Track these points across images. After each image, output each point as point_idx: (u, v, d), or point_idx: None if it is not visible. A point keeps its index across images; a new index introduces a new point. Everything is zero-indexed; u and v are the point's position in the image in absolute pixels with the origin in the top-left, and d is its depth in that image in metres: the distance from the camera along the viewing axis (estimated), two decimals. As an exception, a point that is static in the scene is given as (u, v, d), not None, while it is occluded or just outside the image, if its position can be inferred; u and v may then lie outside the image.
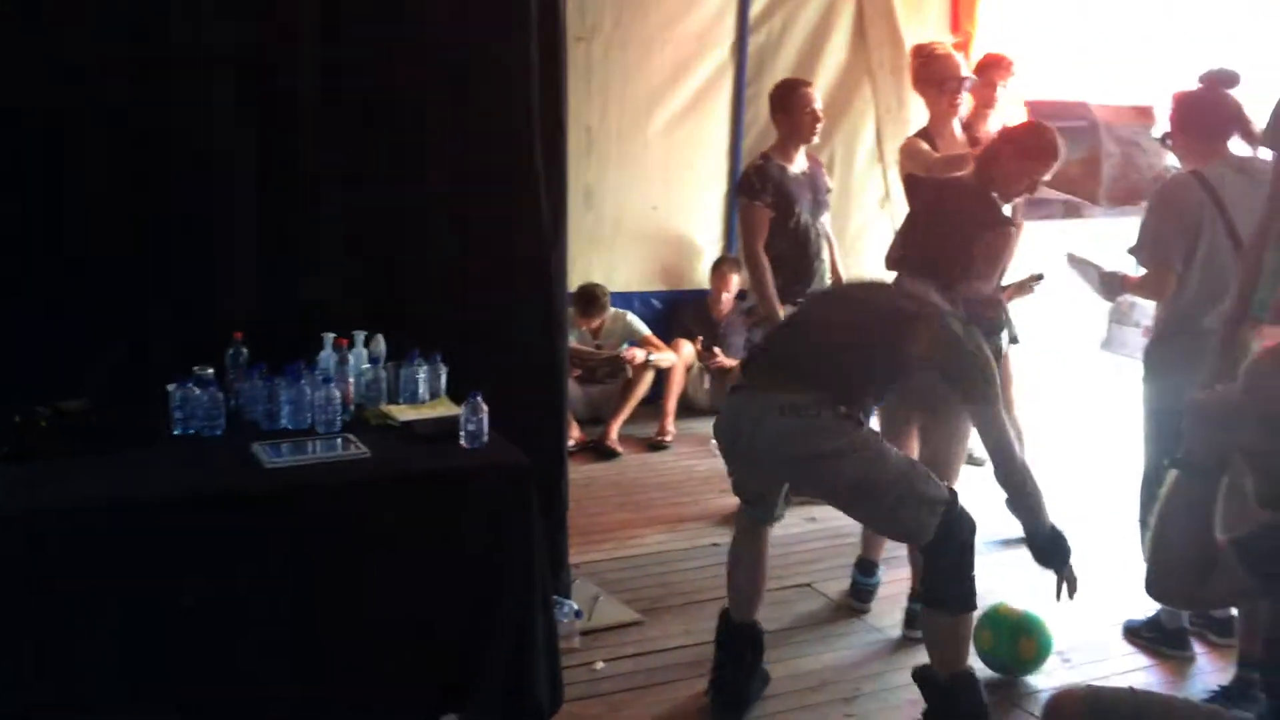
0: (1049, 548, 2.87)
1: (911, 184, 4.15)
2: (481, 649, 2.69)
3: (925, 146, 4.16)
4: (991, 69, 4.56)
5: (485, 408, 2.76)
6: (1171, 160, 3.71)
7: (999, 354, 3.38)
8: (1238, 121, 3.26)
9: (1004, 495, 2.87)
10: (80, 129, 2.88)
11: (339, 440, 2.77)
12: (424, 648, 2.65)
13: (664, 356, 5.65)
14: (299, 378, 2.84)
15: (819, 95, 4.45)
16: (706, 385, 5.99)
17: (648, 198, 6.02)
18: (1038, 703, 3.07)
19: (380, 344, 3.14)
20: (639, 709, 3.08)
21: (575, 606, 3.45)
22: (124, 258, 2.96)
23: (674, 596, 3.78)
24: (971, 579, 2.79)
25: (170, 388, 2.76)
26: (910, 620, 3.51)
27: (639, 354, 5.56)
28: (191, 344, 2.92)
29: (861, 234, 6.04)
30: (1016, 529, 2.94)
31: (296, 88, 3.07)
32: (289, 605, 2.49)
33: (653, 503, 4.73)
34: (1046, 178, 3.48)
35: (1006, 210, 3.53)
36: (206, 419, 2.76)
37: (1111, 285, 3.53)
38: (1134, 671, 3.38)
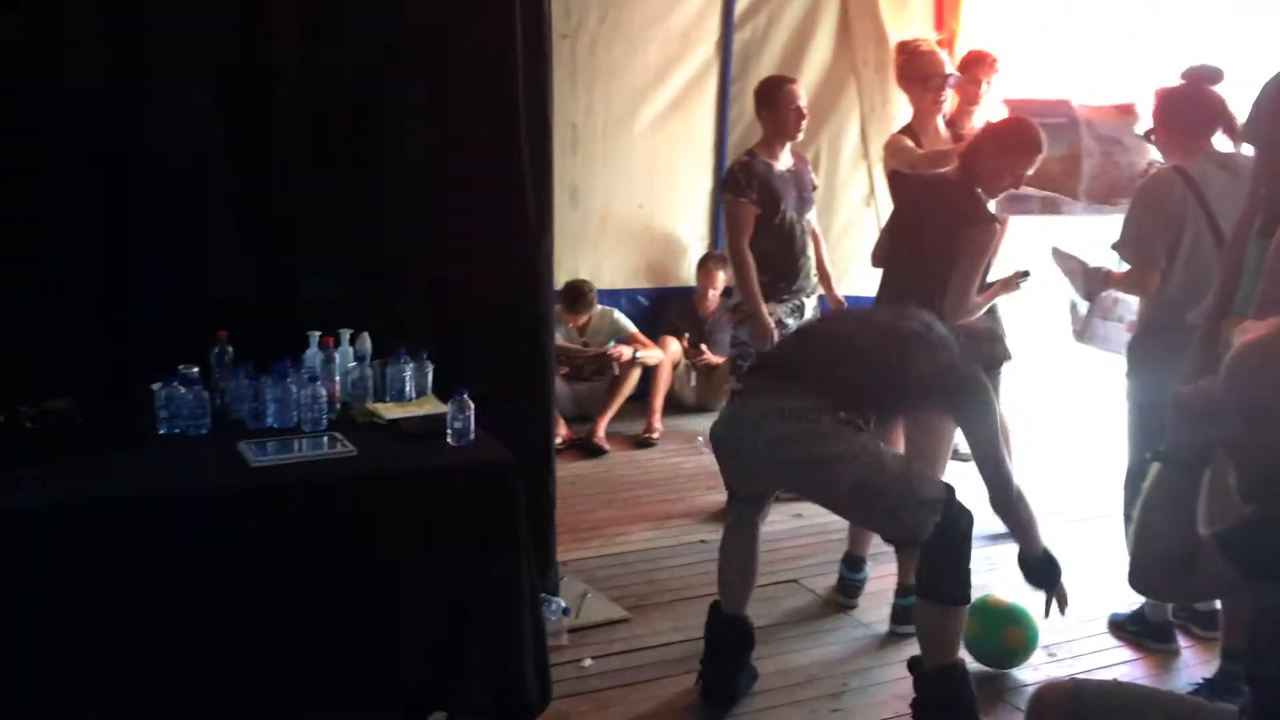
0: (1042, 570, 3.01)
1: (896, 181, 4.16)
2: (469, 646, 2.69)
3: (909, 143, 4.17)
4: (976, 66, 4.57)
5: (472, 405, 2.76)
6: (1153, 156, 3.73)
7: (997, 388, 3.46)
8: (1221, 117, 3.28)
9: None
10: (57, 126, 2.86)
11: (325, 439, 2.76)
12: (411, 645, 2.65)
13: (651, 354, 5.65)
14: (285, 376, 2.83)
15: (804, 92, 4.46)
16: (693, 382, 6.01)
17: (634, 195, 6.03)
18: (1023, 696, 3.08)
19: (366, 342, 3.13)
20: (627, 705, 3.08)
21: (563, 604, 3.45)
22: (107, 256, 2.94)
23: (661, 593, 3.78)
24: (967, 572, 2.81)
25: (155, 387, 2.75)
26: (897, 615, 3.52)
27: (626, 351, 5.56)
28: (176, 343, 2.91)
29: (847, 231, 6.05)
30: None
31: (278, 85, 3.06)
32: (275, 603, 2.49)
33: (640, 500, 4.74)
34: (1030, 172, 3.50)
35: (991, 206, 3.56)
36: (192, 418, 2.75)
37: (1095, 280, 3.55)
38: (1119, 665, 3.40)
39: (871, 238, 4.45)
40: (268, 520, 2.50)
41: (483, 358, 3.23)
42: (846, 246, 5.83)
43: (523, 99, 3.25)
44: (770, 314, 4.30)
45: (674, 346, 5.83)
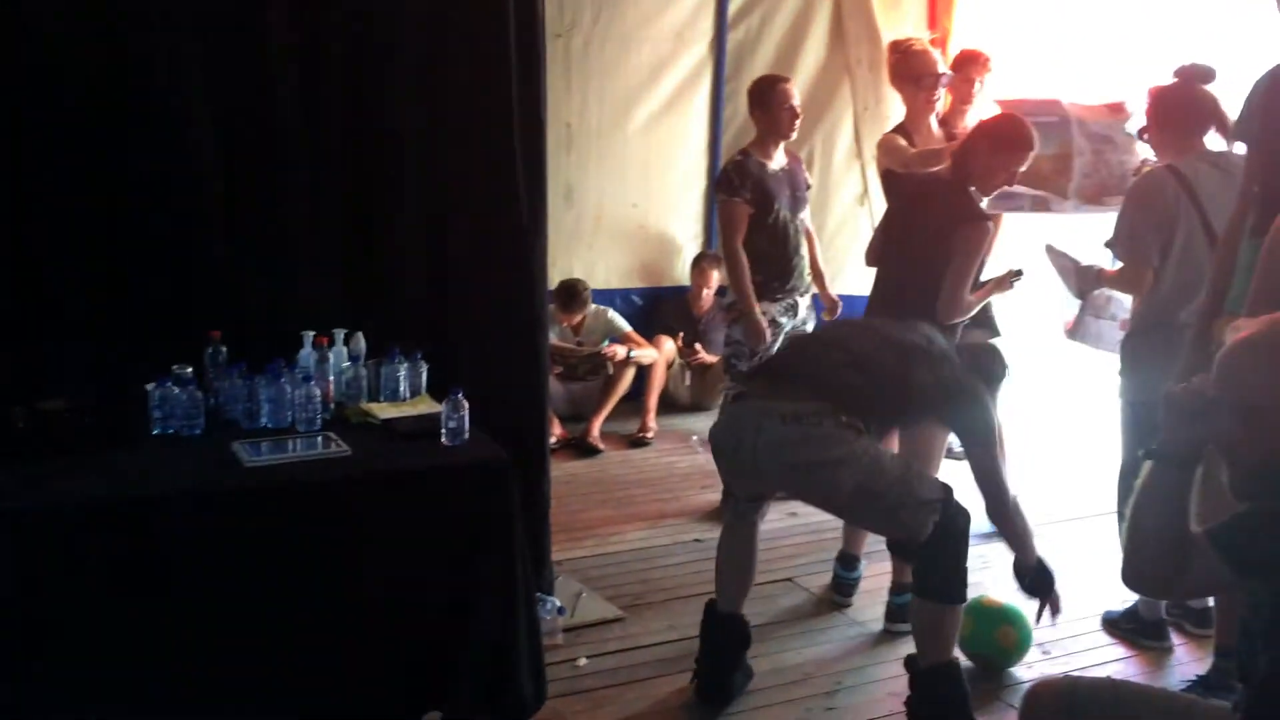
0: (1037, 579, 3.04)
1: (890, 180, 4.17)
2: (464, 646, 2.69)
3: (902, 142, 4.17)
4: (969, 65, 4.58)
5: (466, 405, 2.76)
6: (1145, 154, 3.73)
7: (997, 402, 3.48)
8: (1213, 116, 3.28)
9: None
10: (46, 127, 2.86)
11: (319, 438, 2.76)
12: (406, 645, 2.65)
13: (645, 353, 5.65)
14: (279, 376, 2.83)
15: (797, 91, 4.46)
16: (688, 382, 6.01)
17: (628, 194, 6.02)
18: (1017, 694, 3.09)
19: (360, 342, 3.13)
20: (622, 705, 3.08)
21: (558, 603, 3.45)
22: (101, 257, 2.94)
23: (656, 592, 3.78)
24: (964, 571, 2.82)
25: (149, 387, 2.75)
26: (892, 613, 3.53)
27: (620, 350, 5.56)
28: (170, 343, 2.90)
29: (840, 230, 6.05)
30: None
31: (272, 86, 3.05)
32: (270, 604, 2.49)
33: (634, 499, 4.73)
34: (1023, 169, 3.51)
35: (982, 204, 3.57)
36: (186, 418, 2.74)
37: (1088, 279, 3.56)
38: (1113, 662, 3.41)
39: (865, 237, 4.46)
40: (262, 520, 2.51)
41: (477, 357, 3.23)
42: (840, 245, 5.83)
43: (517, 99, 3.25)
44: (764, 313, 4.31)
45: (668, 346, 5.83)
